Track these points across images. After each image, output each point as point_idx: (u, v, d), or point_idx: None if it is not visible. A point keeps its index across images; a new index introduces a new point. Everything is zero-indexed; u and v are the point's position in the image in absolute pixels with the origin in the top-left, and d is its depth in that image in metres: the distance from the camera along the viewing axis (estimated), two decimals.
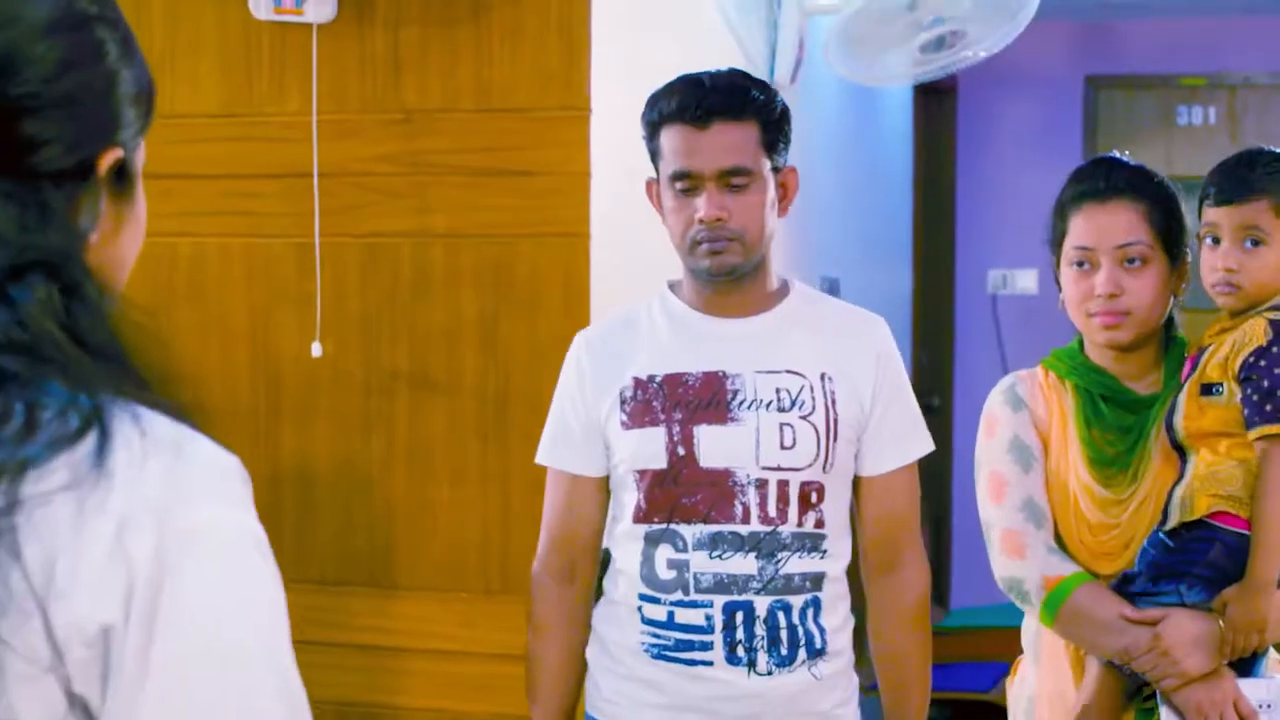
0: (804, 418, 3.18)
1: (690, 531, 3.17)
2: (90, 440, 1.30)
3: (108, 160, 1.46)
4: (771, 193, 3.21)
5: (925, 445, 3.35)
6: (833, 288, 6.17)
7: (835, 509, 3.23)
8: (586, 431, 3.29)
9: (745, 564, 3.16)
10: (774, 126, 3.20)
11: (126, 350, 1.39)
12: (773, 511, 3.16)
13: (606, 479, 3.32)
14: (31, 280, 1.35)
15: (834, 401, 3.20)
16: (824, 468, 3.19)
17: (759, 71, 5.13)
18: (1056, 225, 3.30)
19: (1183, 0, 8.39)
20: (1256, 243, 3.12)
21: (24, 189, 1.38)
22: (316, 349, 4.16)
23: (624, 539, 3.27)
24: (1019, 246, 8.71)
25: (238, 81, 4.26)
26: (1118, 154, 3.36)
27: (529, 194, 4.06)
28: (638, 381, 3.24)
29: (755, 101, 3.18)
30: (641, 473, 3.21)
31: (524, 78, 4.06)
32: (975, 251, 9.00)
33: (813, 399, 3.19)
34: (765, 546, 3.16)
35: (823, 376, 3.21)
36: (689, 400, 3.19)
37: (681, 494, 3.18)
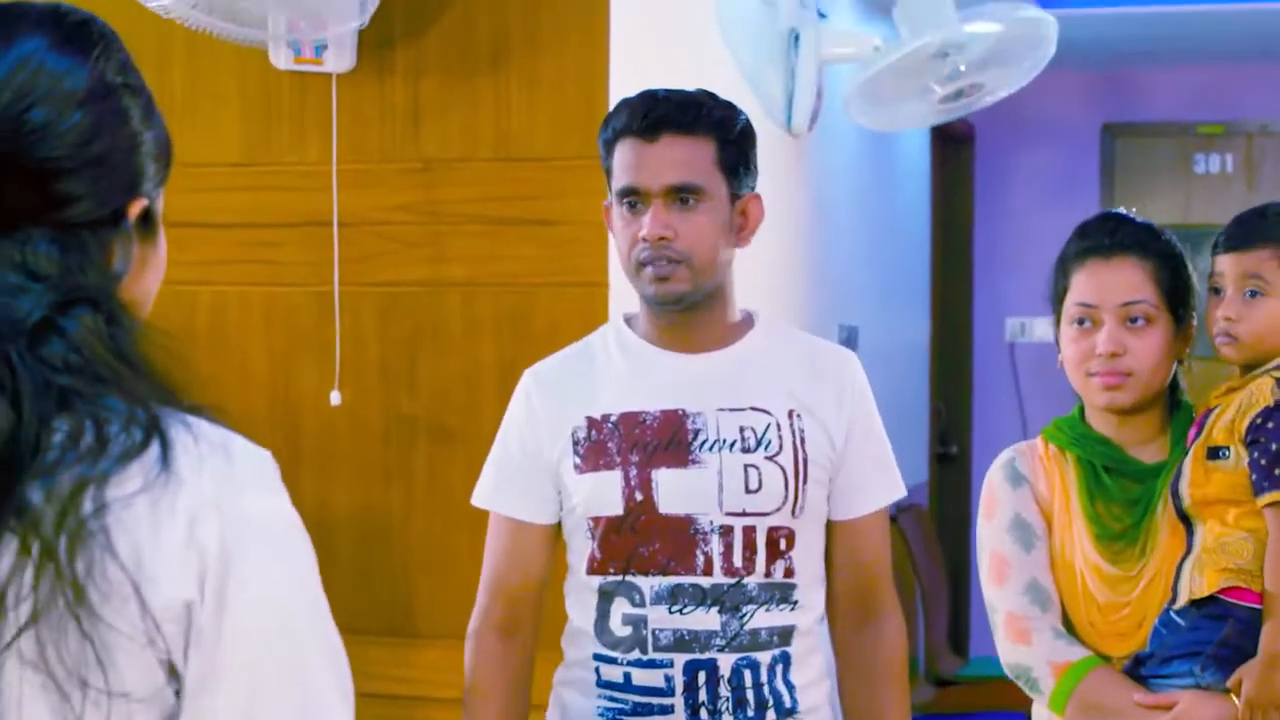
0: (770, 458, 2.95)
1: (648, 584, 2.93)
2: (154, 448, 1.54)
3: (135, 209, 1.67)
4: (726, 216, 2.97)
5: (897, 489, 3.13)
6: (851, 336, 6.17)
7: (807, 556, 3.00)
8: (535, 474, 3.04)
9: (708, 619, 2.91)
10: (733, 145, 2.98)
11: (158, 367, 1.63)
12: (738, 561, 2.92)
13: (555, 527, 3.07)
14: (77, 313, 1.57)
15: (803, 440, 2.97)
16: (793, 511, 2.96)
17: (776, 120, 5.14)
18: (1058, 281, 3.18)
19: (1199, 48, 8.40)
20: (1256, 293, 3.03)
21: (65, 236, 1.60)
22: (335, 397, 4.17)
23: (577, 591, 3.04)
24: (1037, 295, 8.62)
25: (258, 131, 4.28)
26: (1125, 210, 3.27)
27: (547, 243, 4.07)
28: (591, 421, 2.99)
29: (710, 116, 2.97)
30: (596, 519, 2.96)
31: (542, 127, 4.08)
32: (993, 299, 9.00)
33: (779, 438, 2.96)
34: (729, 600, 2.92)
35: (790, 414, 2.98)
36: (646, 441, 2.95)
37: (638, 543, 2.93)
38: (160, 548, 1.52)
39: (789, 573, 2.97)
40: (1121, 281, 3.08)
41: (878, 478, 3.09)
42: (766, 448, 2.95)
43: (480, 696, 3.12)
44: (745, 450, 2.95)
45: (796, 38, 5.28)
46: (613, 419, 2.98)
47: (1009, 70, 5.22)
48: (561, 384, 3.08)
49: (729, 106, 3.04)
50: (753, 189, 3.05)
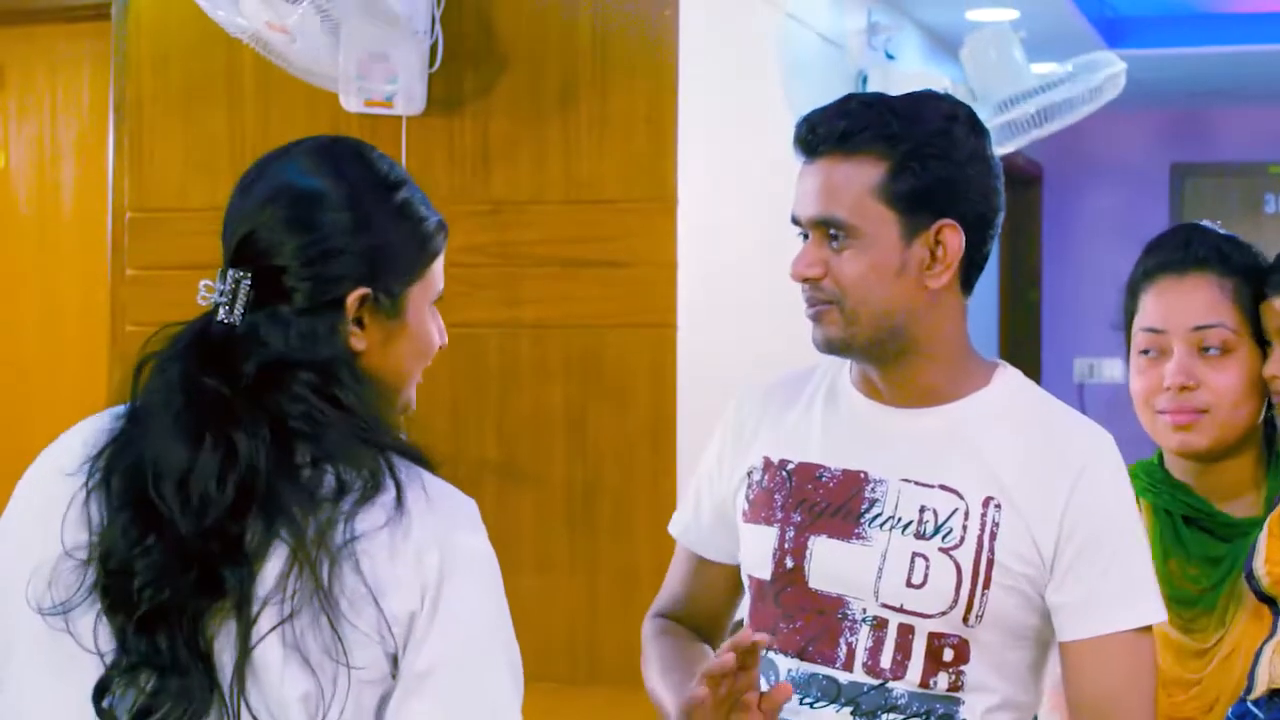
0: (945, 550, 2.41)
1: (785, 665, 2.49)
2: (390, 491, 1.97)
3: (353, 298, 2.04)
4: (896, 255, 2.41)
5: (1148, 612, 2.42)
6: None
7: (989, 673, 2.43)
8: (718, 509, 2.65)
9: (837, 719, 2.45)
10: (913, 167, 2.41)
11: (372, 413, 2.04)
12: (885, 661, 2.42)
13: (738, 570, 2.63)
14: (303, 377, 2.00)
15: (993, 536, 2.40)
16: (966, 619, 2.39)
17: None
18: (1128, 305, 2.75)
19: (1268, 88, 8.36)
20: None
21: (292, 318, 2.02)
22: (404, 438, 4.17)
23: None
24: (1106, 335, 8.63)
25: None
26: (1207, 222, 2.84)
27: (616, 284, 4.07)
28: (768, 464, 2.56)
29: (883, 131, 2.41)
30: (751, 580, 2.56)
31: (612, 169, 4.08)
32: (1061, 340, 8.97)
33: (964, 528, 2.41)
34: (866, 703, 2.43)
35: (986, 502, 2.42)
36: (816, 502, 2.49)
37: (781, 616, 2.49)
38: (395, 569, 1.94)
39: (955, 687, 2.43)
40: (1194, 303, 2.65)
41: (1115, 593, 2.42)
42: (944, 537, 2.42)
43: (645, 657, 2.73)
44: (919, 536, 2.43)
45: (865, 79, 5.28)
46: (790, 466, 2.54)
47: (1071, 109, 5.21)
48: (762, 405, 2.65)
49: (917, 117, 2.45)
50: (946, 216, 2.43)
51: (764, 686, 2.41)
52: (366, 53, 3.99)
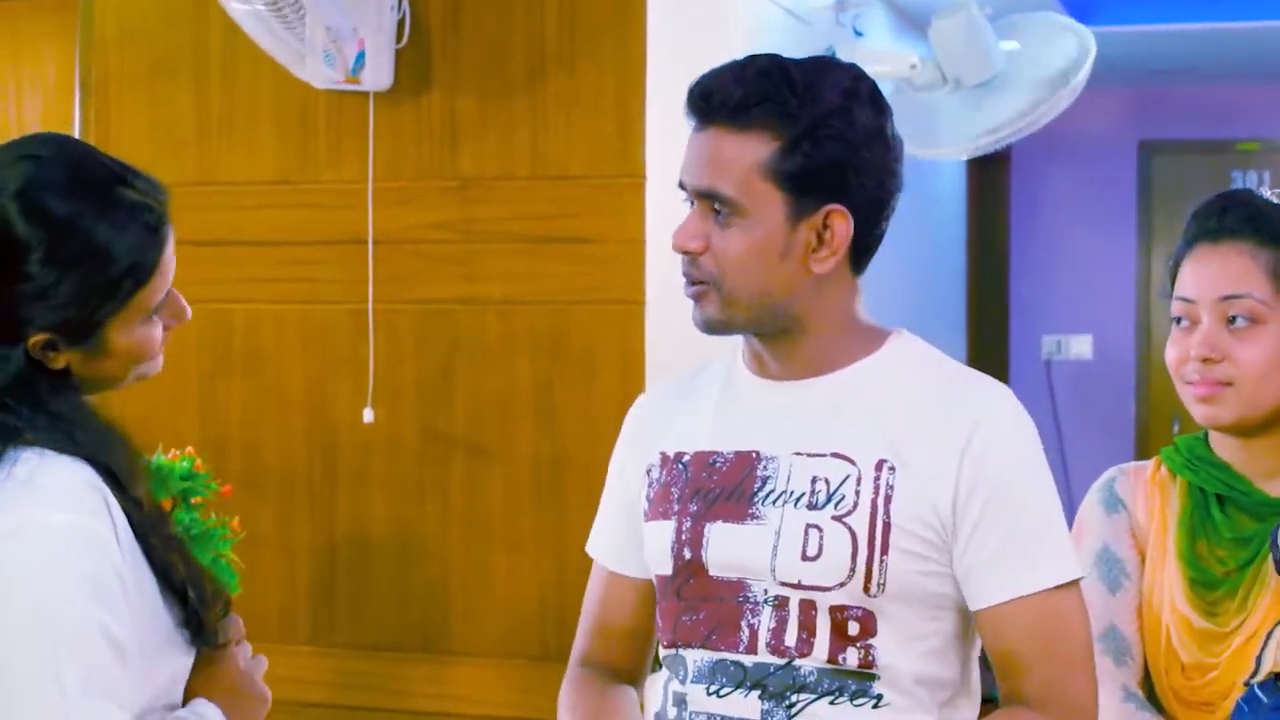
0: (838, 519, 2.30)
1: (691, 658, 2.38)
2: None
3: (33, 343, 2.10)
4: (781, 237, 2.30)
5: (1057, 569, 2.30)
6: None
7: (902, 646, 2.31)
8: (625, 516, 2.54)
9: (746, 705, 2.33)
10: (804, 144, 2.28)
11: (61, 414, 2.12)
12: (789, 640, 2.31)
13: (650, 584, 2.52)
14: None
15: (888, 499, 2.29)
16: (867, 588, 2.28)
17: None
18: (1171, 272, 2.63)
19: (1235, 65, 8.37)
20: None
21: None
22: (368, 415, 4.17)
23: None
24: (1073, 312, 8.69)
25: (294, 149, 4.29)
26: (1259, 188, 2.69)
27: (584, 261, 4.07)
28: (665, 459, 2.46)
29: (778, 107, 2.28)
30: (657, 579, 2.46)
31: (579, 146, 4.08)
32: (1029, 317, 8.98)
33: (856, 494, 2.30)
34: (774, 684, 2.32)
35: (879, 465, 2.31)
36: (710, 488, 2.38)
37: (684, 610, 2.39)
38: None
39: (866, 663, 2.30)
40: (1224, 272, 2.54)
41: (1020, 552, 2.29)
42: (836, 505, 2.30)
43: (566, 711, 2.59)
44: (811, 506, 2.31)
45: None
46: (686, 458, 2.44)
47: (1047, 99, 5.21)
48: (655, 409, 2.57)
49: (813, 86, 2.31)
50: (838, 201, 2.31)
51: (675, 684, 2.39)
52: (334, 28, 3.98)
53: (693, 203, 2.37)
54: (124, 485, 2.11)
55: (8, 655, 1.97)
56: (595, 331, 4.06)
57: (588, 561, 4.16)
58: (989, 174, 8.83)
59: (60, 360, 2.13)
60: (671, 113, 4.14)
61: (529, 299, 4.12)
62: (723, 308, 2.33)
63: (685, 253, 2.35)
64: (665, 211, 4.08)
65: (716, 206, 2.31)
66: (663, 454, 2.46)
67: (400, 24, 4.12)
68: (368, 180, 4.20)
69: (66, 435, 2.09)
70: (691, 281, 2.36)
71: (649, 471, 2.47)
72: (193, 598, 2.15)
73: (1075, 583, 2.32)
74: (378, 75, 4.10)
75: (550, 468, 4.09)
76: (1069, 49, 5.17)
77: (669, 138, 4.14)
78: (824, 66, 2.35)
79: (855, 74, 2.36)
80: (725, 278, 2.32)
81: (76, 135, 4.53)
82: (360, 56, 4.05)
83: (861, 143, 2.30)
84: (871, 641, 2.30)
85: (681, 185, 2.37)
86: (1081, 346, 8.72)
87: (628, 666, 2.56)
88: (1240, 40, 7.74)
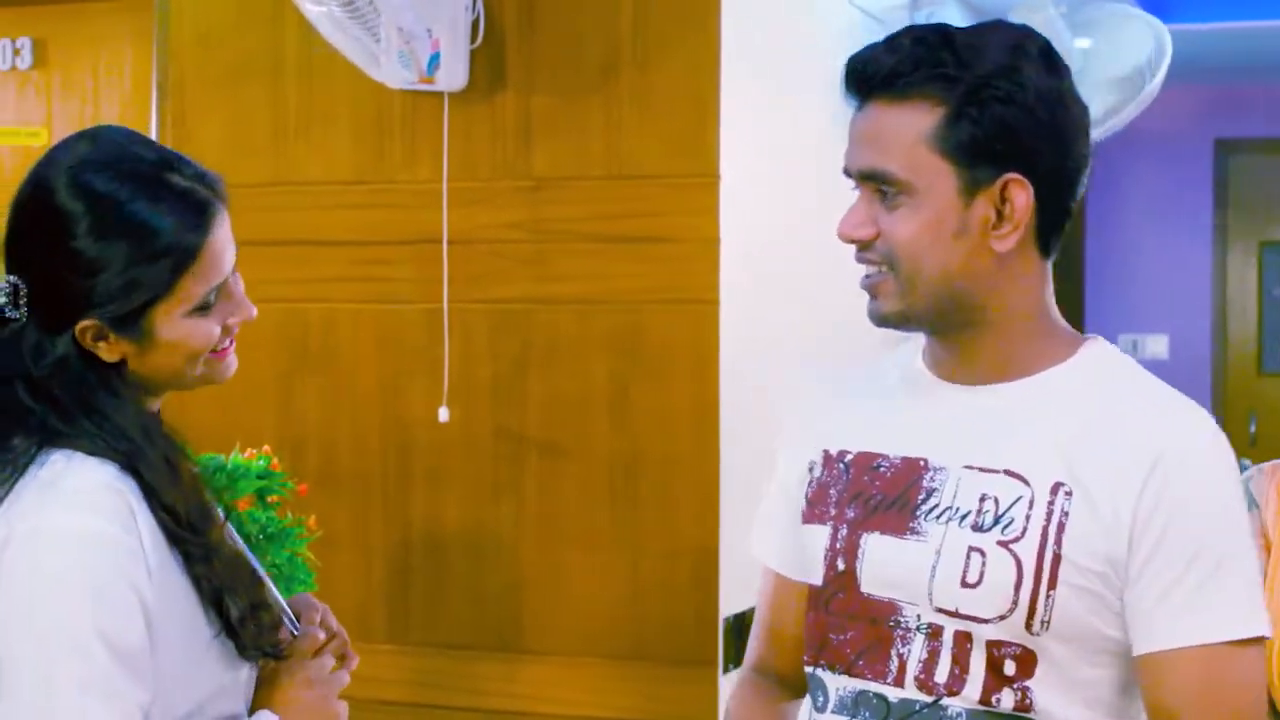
0: (1004, 544, 2.09)
1: (834, 684, 2.20)
2: (24, 473, 2.09)
3: (80, 329, 2.13)
4: (955, 213, 2.12)
5: (1235, 623, 2.05)
6: None
7: (1062, 691, 2.10)
8: (787, 515, 2.35)
9: None
10: (970, 109, 2.10)
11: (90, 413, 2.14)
12: (940, 675, 2.11)
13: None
14: (22, 385, 2.14)
15: (1061, 527, 2.07)
16: (1029, 624, 2.07)
17: None
18: None
19: None
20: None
21: (31, 332, 2.15)
22: (444, 414, 4.18)
23: None
24: (1149, 311, 8.64)
25: (369, 149, 4.30)
26: None
27: (658, 260, 4.06)
28: (827, 457, 2.29)
29: (937, 70, 2.10)
30: (810, 587, 2.27)
31: (653, 145, 4.08)
32: (1105, 316, 8.93)
33: (1026, 519, 2.08)
34: None
35: (1055, 488, 2.09)
36: (871, 495, 2.20)
37: (832, 626, 2.21)
38: None
39: (1023, 707, 2.09)
40: None
41: (1198, 597, 2.05)
42: (1004, 529, 2.10)
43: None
44: (976, 528, 2.11)
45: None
46: (848, 458, 2.26)
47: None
48: (823, 399, 2.39)
49: (981, 50, 2.12)
50: (1011, 169, 2.13)
51: (813, 707, 2.25)
52: (408, 29, 3.99)
53: (859, 189, 2.18)
54: (157, 491, 2.11)
55: (10, 657, 2.01)
56: (669, 331, 4.06)
57: (661, 561, 4.18)
58: None
59: (112, 353, 2.15)
60: (746, 110, 4.15)
61: (602, 298, 4.12)
62: (901, 297, 2.14)
63: (852, 241, 2.17)
64: (739, 210, 4.08)
65: (882, 188, 2.13)
66: (825, 451, 2.29)
67: (474, 24, 4.13)
68: (442, 180, 4.21)
69: (102, 437, 2.12)
70: (867, 270, 2.17)
71: (810, 468, 2.31)
72: (230, 609, 2.14)
73: (1257, 640, 2.06)
74: (452, 75, 4.11)
75: (624, 467, 4.09)
76: (1145, 46, 5.14)
77: (743, 136, 4.13)
78: (988, 27, 2.17)
79: (1024, 32, 2.16)
80: (900, 263, 2.13)
81: (153, 135, 4.56)
82: (435, 57, 4.06)
83: (1034, 104, 2.10)
84: (1029, 684, 2.09)
85: (847, 172, 2.19)
86: (1158, 346, 8.67)
87: (799, 675, 2.33)
88: None
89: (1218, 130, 9.04)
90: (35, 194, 2.14)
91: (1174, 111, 8.51)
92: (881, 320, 2.17)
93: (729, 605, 4.04)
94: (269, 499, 3.62)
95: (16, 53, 5.42)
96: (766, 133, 4.32)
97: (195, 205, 2.15)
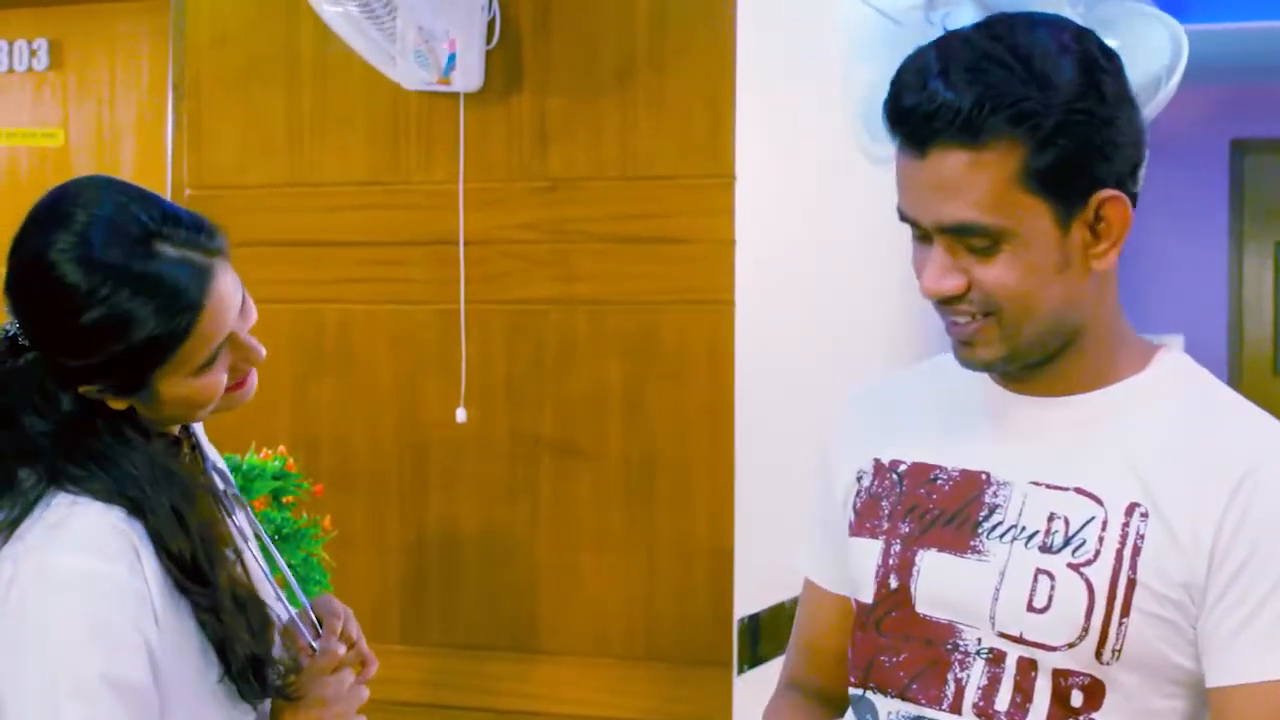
0: (1075, 567, 1.97)
1: (884, 707, 2.09)
2: (29, 514, 2.10)
3: (87, 389, 2.14)
4: (1055, 248, 1.98)
5: None
6: None
7: None
8: (832, 526, 2.25)
9: None
10: (1058, 139, 1.92)
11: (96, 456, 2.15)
12: (1000, 703, 1.99)
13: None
14: (34, 422, 2.15)
15: (1136, 551, 1.95)
16: (1099, 653, 1.95)
17: None
18: None
19: None
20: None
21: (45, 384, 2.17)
22: (461, 415, 4.18)
23: None
24: (1165, 311, 8.63)
25: (385, 150, 4.31)
26: None
27: (674, 261, 4.06)
28: (878, 466, 2.17)
29: (1016, 110, 1.91)
30: (855, 604, 2.18)
31: (669, 145, 4.08)
32: None
33: (1099, 542, 1.96)
34: None
35: (1130, 510, 1.96)
36: (928, 509, 2.09)
37: (884, 648, 2.10)
38: None
39: None
40: None
41: (1267, 633, 1.92)
42: (1075, 551, 1.97)
43: None
44: (1045, 549, 1.99)
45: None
46: (901, 468, 2.14)
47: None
48: (874, 403, 2.27)
49: (1046, 76, 1.92)
50: (1103, 184, 2.02)
51: None
52: (425, 29, 3.99)
53: (926, 237, 2.01)
54: (163, 539, 2.10)
55: (14, 698, 2.01)
56: (685, 332, 4.06)
57: (676, 561, 4.18)
58: None
59: (120, 404, 2.17)
60: (762, 111, 4.15)
61: (618, 299, 4.12)
62: (1005, 341, 2.00)
63: (941, 297, 2.00)
64: (754, 211, 4.08)
65: (973, 242, 1.96)
66: (876, 461, 2.17)
67: (490, 25, 4.13)
68: (458, 181, 4.21)
69: (107, 483, 2.11)
70: (965, 323, 2.01)
71: (859, 478, 2.19)
72: (231, 662, 2.15)
73: None
74: (468, 76, 4.11)
75: (640, 468, 4.09)
76: (1162, 47, 5.13)
77: (758, 137, 4.13)
78: (1036, 37, 1.96)
79: (1074, 32, 2.00)
80: (1005, 310, 1.98)
81: (169, 136, 4.56)
82: (452, 58, 4.06)
83: (1115, 114, 1.98)
84: (1095, 716, 1.97)
85: (912, 221, 2.01)
86: (1175, 348, 8.65)
87: (838, 693, 2.23)
88: None
89: (1234, 131, 9.02)
90: (35, 265, 2.12)
91: (1190, 112, 8.50)
92: (984, 367, 2.05)
93: (744, 606, 4.04)
94: (284, 499, 3.63)
95: (33, 54, 5.43)
96: (782, 134, 4.32)
97: (191, 274, 2.12)
